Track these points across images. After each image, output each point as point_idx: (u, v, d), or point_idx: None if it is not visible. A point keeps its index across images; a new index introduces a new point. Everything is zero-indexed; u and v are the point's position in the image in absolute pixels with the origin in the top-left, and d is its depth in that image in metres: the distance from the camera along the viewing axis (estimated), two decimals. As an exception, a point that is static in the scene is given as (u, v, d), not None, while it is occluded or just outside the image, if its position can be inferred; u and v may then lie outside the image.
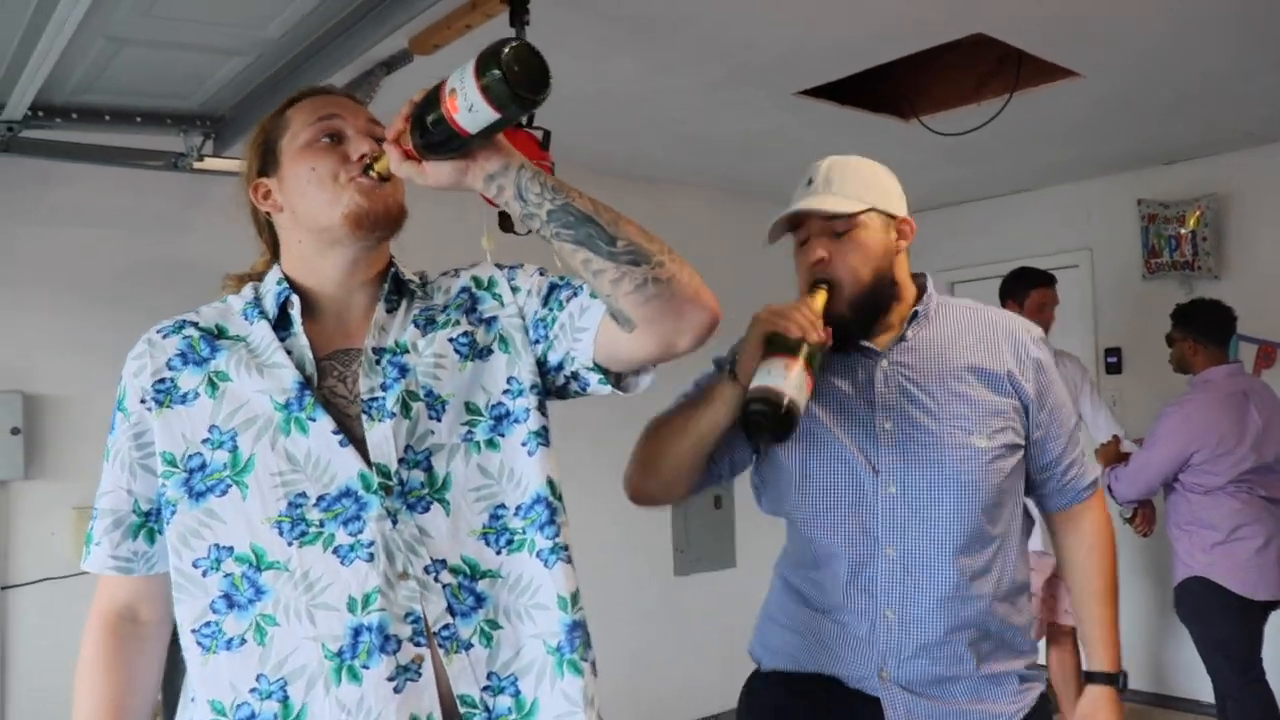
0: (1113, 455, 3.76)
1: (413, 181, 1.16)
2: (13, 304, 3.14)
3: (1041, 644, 3.83)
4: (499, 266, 1.35)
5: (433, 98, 1.08)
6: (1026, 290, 3.90)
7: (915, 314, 1.68)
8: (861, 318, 1.65)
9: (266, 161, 1.29)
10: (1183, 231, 4.58)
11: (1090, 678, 1.72)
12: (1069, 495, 1.72)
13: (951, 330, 1.68)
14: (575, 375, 1.27)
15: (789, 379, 1.48)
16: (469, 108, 1.05)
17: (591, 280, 1.15)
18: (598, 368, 1.24)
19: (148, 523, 1.25)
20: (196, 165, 2.88)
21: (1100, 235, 4.94)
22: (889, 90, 3.68)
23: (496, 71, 1.03)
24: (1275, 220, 4.43)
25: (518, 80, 1.03)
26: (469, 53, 1.06)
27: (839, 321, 1.61)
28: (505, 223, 2.57)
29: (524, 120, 2.52)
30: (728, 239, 4.77)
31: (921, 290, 1.72)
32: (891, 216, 1.68)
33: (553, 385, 1.30)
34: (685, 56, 3.15)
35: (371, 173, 1.22)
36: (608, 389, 1.26)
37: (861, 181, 1.68)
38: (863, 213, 1.64)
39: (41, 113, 2.53)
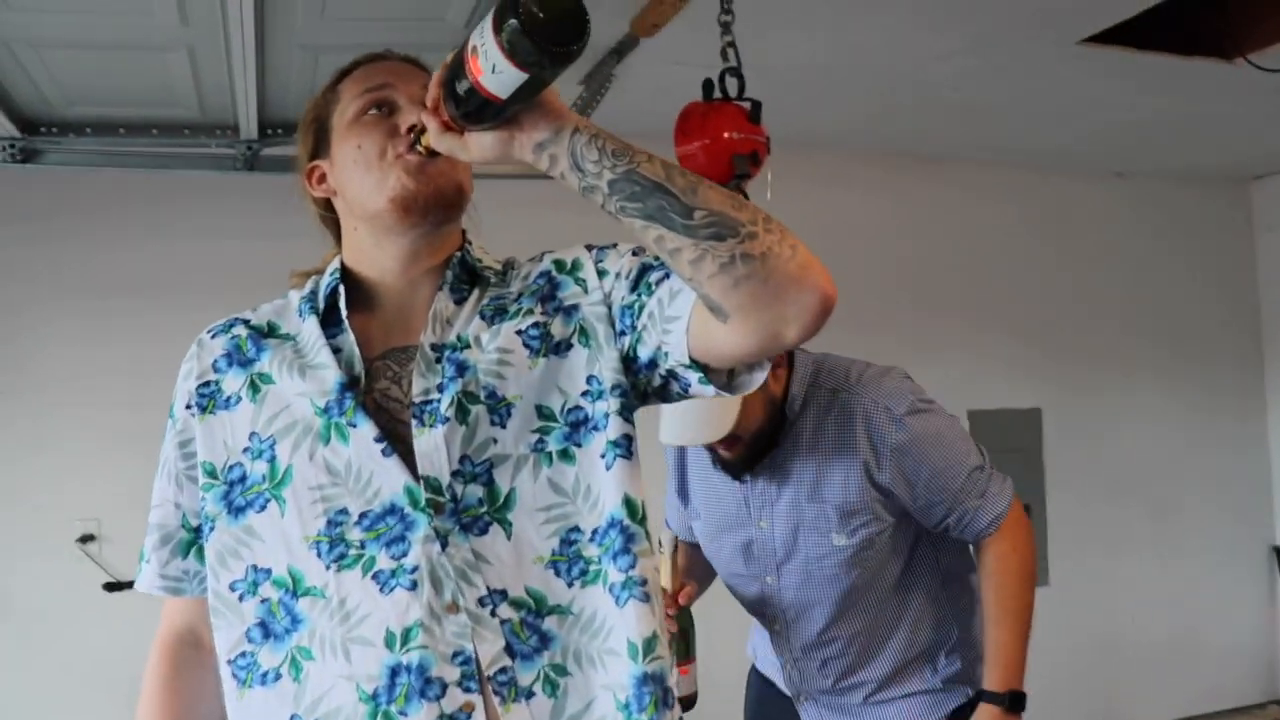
0: None
1: (456, 157, 1.00)
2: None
3: None
4: (589, 248, 1.16)
5: (459, 60, 0.92)
6: None
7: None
8: (759, 450, 1.81)
9: (319, 142, 1.17)
10: None
11: (980, 695, 1.79)
12: (970, 536, 1.82)
13: (813, 426, 1.80)
14: (673, 374, 1.06)
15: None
16: (492, 69, 0.88)
17: (670, 262, 0.95)
18: (695, 364, 1.02)
19: (198, 539, 1.13)
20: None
21: None
22: (1203, 26, 3.09)
23: (514, 22, 0.85)
24: None
25: (542, 30, 0.85)
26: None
27: (737, 461, 1.82)
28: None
29: (727, 90, 2.30)
30: (1014, 219, 4.37)
31: (787, 388, 1.82)
32: None
33: (649, 386, 1.10)
34: (942, 11, 2.78)
35: (419, 147, 1.06)
36: (711, 390, 1.05)
37: None
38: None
39: (279, 130, 2.63)
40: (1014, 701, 1.76)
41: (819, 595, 1.83)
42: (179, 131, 2.61)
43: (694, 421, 1.73)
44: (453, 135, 0.97)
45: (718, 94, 2.32)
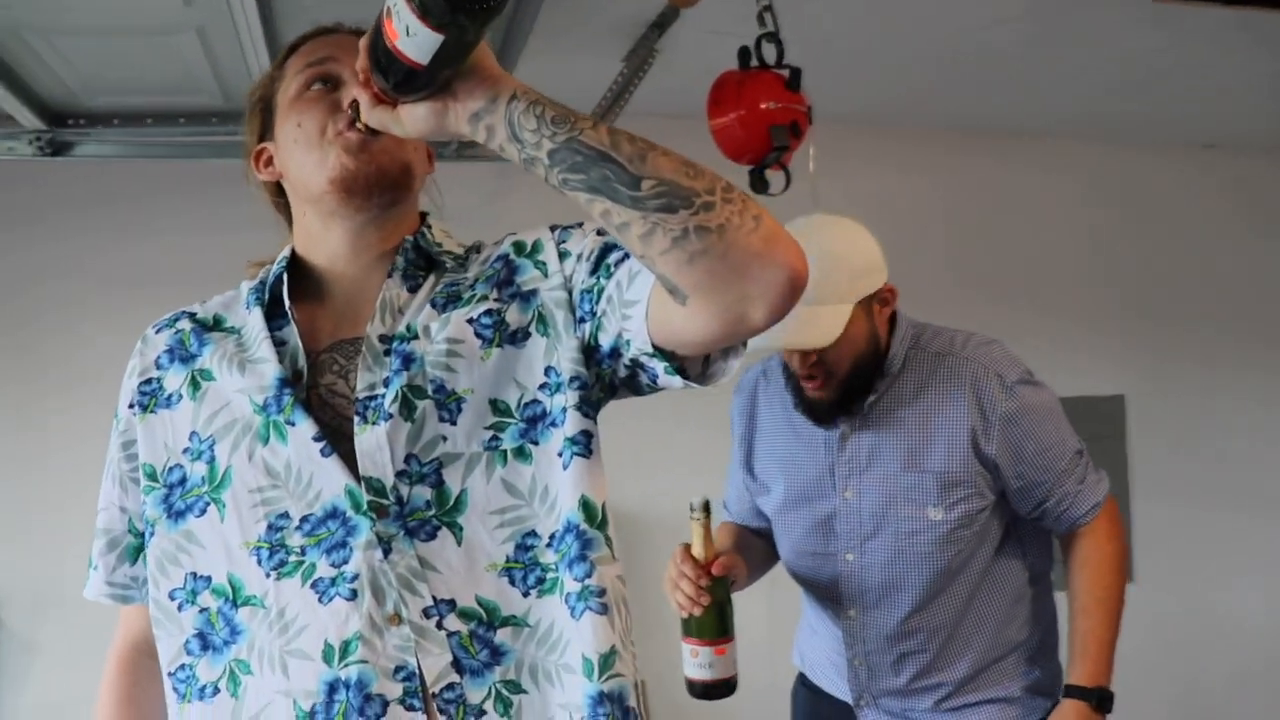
0: None
1: (390, 132, 0.92)
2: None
3: None
4: (553, 228, 1.10)
5: (378, 24, 0.84)
6: None
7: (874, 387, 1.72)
8: (848, 396, 1.70)
9: (266, 123, 1.12)
10: None
11: (1066, 690, 1.70)
12: (1065, 524, 1.74)
13: (914, 389, 1.72)
14: (638, 363, 0.99)
15: (695, 664, 1.60)
16: (406, 31, 0.80)
17: (620, 238, 0.88)
18: (660, 353, 0.94)
19: (145, 544, 1.08)
20: (469, 154, 2.90)
21: None
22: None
23: None
24: None
25: None
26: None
27: (825, 404, 1.70)
28: (758, 182, 2.21)
29: (762, 58, 2.15)
30: (1087, 196, 4.09)
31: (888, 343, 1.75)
32: (872, 294, 1.70)
33: (615, 378, 1.04)
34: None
35: (360, 124, 0.98)
36: (679, 381, 0.97)
37: (843, 273, 1.66)
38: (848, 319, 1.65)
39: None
40: (1101, 700, 1.67)
41: (907, 577, 1.72)
42: (206, 120, 2.56)
43: (796, 323, 1.59)
44: (385, 109, 0.89)
45: (755, 62, 2.19)
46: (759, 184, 2.19)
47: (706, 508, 1.60)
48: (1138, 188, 4.18)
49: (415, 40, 0.79)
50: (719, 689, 1.61)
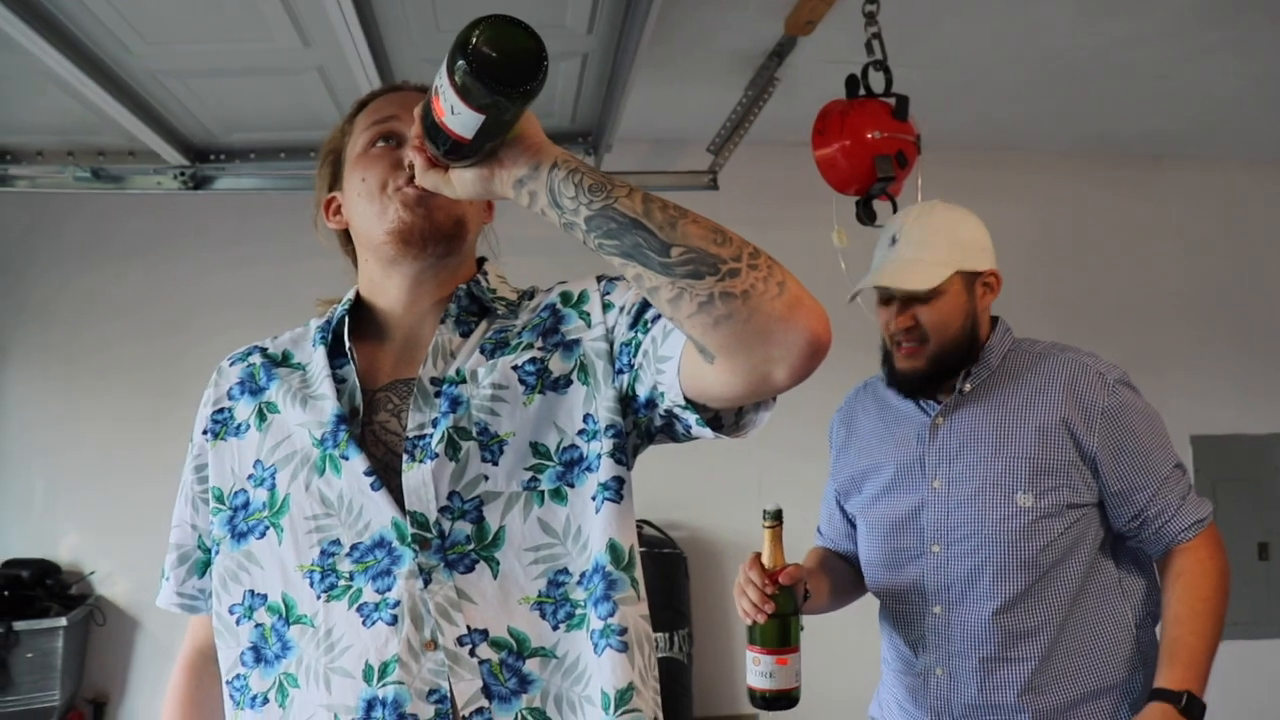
0: None
1: (443, 193, 0.99)
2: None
3: None
4: (599, 279, 1.15)
5: (428, 99, 0.91)
6: None
7: (969, 372, 1.73)
8: (939, 372, 1.71)
9: (335, 174, 1.20)
10: None
11: (1151, 694, 1.60)
12: (1164, 540, 1.66)
13: (1009, 379, 1.72)
14: (673, 414, 1.03)
15: (756, 671, 1.60)
16: (451, 110, 0.87)
17: (651, 300, 0.93)
18: (692, 405, 0.99)
19: (211, 560, 1.16)
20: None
21: None
22: None
23: (462, 63, 0.83)
24: None
25: (493, 71, 0.83)
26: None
27: (914, 375, 1.71)
28: (864, 213, 2.16)
29: (867, 87, 2.10)
30: (1245, 221, 3.88)
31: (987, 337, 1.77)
32: (976, 273, 1.72)
33: (651, 426, 1.08)
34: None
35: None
36: (709, 433, 1.02)
37: (947, 240, 1.72)
38: (946, 280, 1.68)
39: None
40: (1190, 704, 1.56)
41: (993, 566, 1.65)
42: (333, 153, 2.68)
43: (895, 268, 1.69)
44: (437, 172, 0.96)
45: (862, 90, 2.14)
46: (865, 215, 2.15)
47: (779, 515, 1.60)
48: (1166, 211, 3.94)
49: (459, 118, 0.86)
50: (779, 700, 1.59)
